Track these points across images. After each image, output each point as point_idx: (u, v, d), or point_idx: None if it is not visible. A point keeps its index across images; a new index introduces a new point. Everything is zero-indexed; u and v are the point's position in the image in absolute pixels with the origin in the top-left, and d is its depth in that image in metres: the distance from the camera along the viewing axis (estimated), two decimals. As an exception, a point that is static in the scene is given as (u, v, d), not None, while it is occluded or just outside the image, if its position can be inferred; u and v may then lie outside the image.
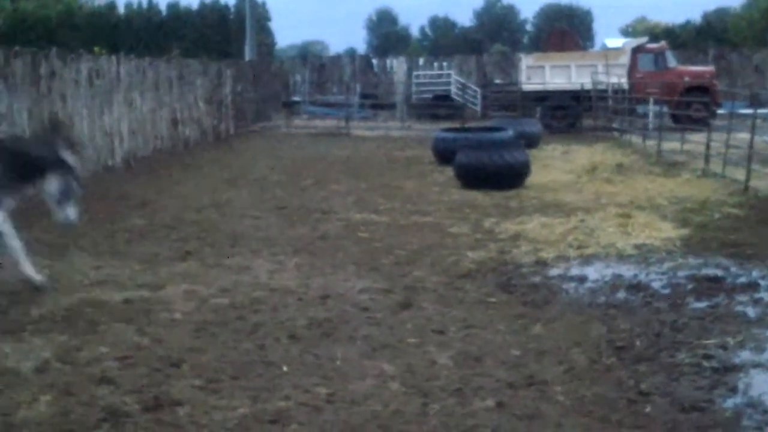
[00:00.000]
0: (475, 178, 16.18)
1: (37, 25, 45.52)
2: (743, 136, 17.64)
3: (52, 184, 8.71)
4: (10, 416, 5.69)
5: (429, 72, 40.90)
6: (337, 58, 50.94)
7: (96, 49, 26.82)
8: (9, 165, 8.64)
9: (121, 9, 50.66)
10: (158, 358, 6.80)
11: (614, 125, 28.63)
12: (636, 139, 24.62)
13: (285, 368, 6.62)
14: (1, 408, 5.81)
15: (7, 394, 6.04)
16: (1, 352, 6.93)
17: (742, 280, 9.25)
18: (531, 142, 22.31)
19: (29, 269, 8.76)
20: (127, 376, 6.42)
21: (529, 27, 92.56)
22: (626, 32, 70.97)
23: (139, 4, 50.51)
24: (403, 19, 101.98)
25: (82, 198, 9.15)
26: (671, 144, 21.07)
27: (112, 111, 19.84)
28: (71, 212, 8.83)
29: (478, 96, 38.11)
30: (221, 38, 48.12)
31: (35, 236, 11.60)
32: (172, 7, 50.21)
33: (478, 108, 37.52)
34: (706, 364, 6.68)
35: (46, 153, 8.81)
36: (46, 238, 11.54)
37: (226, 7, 50.26)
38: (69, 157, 8.92)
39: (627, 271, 9.76)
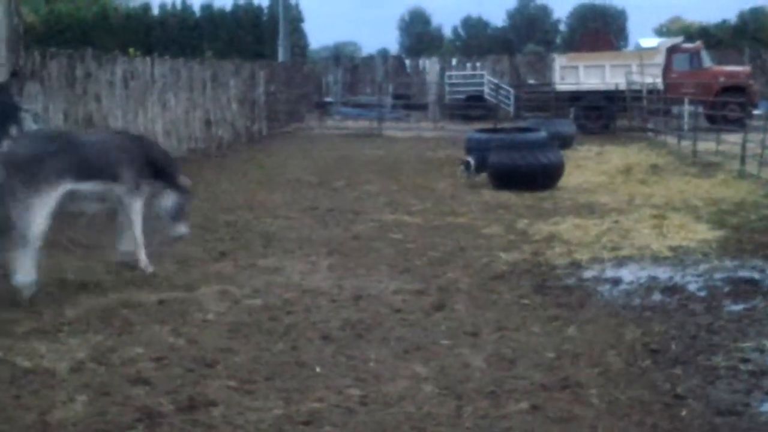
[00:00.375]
0: (508, 179, 16.13)
1: (73, 27, 45.94)
2: (780, 136, 17.49)
3: (169, 200, 9.68)
4: (46, 416, 5.73)
5: (462, 72, 40.82)
6: (370, 58, 50.94)
7: (130, 50, 26.98)
8: (148, 159, 9.61)
9: (155, 10, 51.05)
10: (192, 359, 6.84)
11: (649, 126, 28.44)
12: (671, 139, 24.43)
13: (318, 369, 6.62)
14: (37, 408, 5.86)
15: (43, 394, 6.09)
16: (37, 352, 6.99)
17: (779, 282, 9.15)
18: (565, 142, 22.24)
19: (143, 258, 9.64)
20: (161, 377, 6.45)
21: (562, 27, 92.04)
22: (661, 32, 70.45)
23: (173, 6, 50.85)
24: (436, 20, 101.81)
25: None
26: (706, 144, 20.88)
27: (147, 112, 19.99)
28: (183, 228, 9.83)
29: (511, 96, 37.96)
30: (254, 39, 48.33)
31: (69, 236, 11.72)
32: (206, 9, 50.50)
33: (511, 108, 37.37)
34: (742, 367, 6.61)
35: (170, 166, 9.84)
36: (82, 238, 11.63)
37: (260, 8, 50.48)
38: (185, 180, 9.85)
39: (662, 273, 9.69)
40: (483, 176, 17.15)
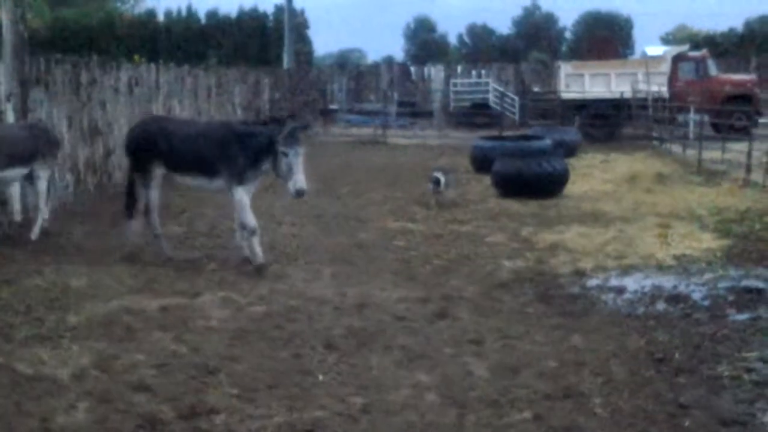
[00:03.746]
0: (512, 186, 16.11)
1: (78, 33, 46.00)
2: (785, 145, 17.46)
3: (280, 163, 9.87)
4: (48, 423, 5.72)
5: (467, 80, 40.79)
6: (375, 66, 50.87)
7: (135, 57, 27.05)
8: (246, 147, 10.20)
9: (160, 17, 51.12)
10: (195, 366, 6.82)
11: (654, 134, 28.37)
12: (676, 148, 24.40)
13: (321, 377, 6.61)
14: (40, 414, 5.84)
15: (45, 401, 6.08)
16: (39, 359, 6.98)
17: (785, 291, 9.11)
18: (570, 150, 22.21)
19: (257, 247, 10.23)
20: (163, 384, 6.44)
21: (568, 35, 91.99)
22: (667, 40, 70.27)
23: (179, 13, 50.93)
24: (441, 27, 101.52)
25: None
26: (712, 153, 20.84)
27: (152, 119, 19.97)
28: (299, 181, 9.76)
29: (516, 104, 37.95)
30: (260, 46, 48.38)
31: (75, 243, 11.73)
32: (211, 16, 50.54)
33: (516, 116, 37.36)
34: (746, 377, 6.59)
35: (270, 136, 10.01)
36: (85, 245, 11.64)
37: (265, 15, 50.53)
38: (290, 138, 9.86)
39: (666, 282, 9.65)
40: (452, 195, 15.98)
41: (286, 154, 9.76)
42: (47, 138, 12.30)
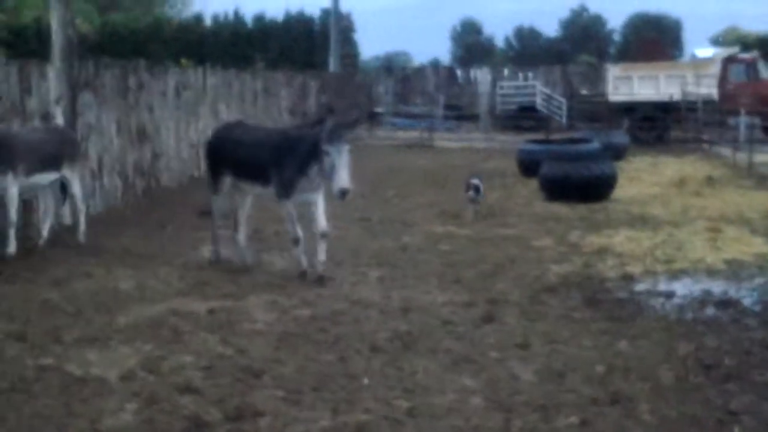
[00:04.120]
0: (559, 190, 16.00)
1: (126, 38, 46.51)
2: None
3: (324, 164, 9.36)
4: (96, 424, 5.79)
5: (514, 83, 40.65)
6: (421, 69, 50.93)
7: (183, 61, 27.27)
8: (293, 153, 9.86)
9: (208, 21, 51.53)
10: (241, 369, 6.86)
11: (704, 137, 28.05)
12: (726, 151, 24.09)
13: (366, 381, 6.62)
14: (87, 416, 5.92)
15: (93, 402, 6.15)
16: (88, 360, 7.07)
17: (837, 297, 8.97)
18: (618, 153, 22.00)
19: (302, 256, 10.16)
20: (209, 386, 6.48)
21: (616, 37, 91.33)
22: (717, 42, 69.50)
23: (226, 17, 51.31)
24: (488, 29, 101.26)
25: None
26: (762, 157, 20.56)
27: (198, 123, 20.15)
28: (342, 179, 9.18)
29: (564, 107, 37.73)
30: (306, 50, 48.55)
31: (123, 246, 11.86)
32: (258, 20, 50.82)
33: (564, 119, 37.14)
34: (797, 383, 6.48)
35: (315, 139, 9.53)
36: (134, 248, 11.76)
37: (311, 18, 50.72)
38: (332, 135, 9.33)
39: (716, 286, 9.54)
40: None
41: (328, 153, 9.25)
42: (72, 141, 12.40)
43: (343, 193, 9.17)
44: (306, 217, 10.19)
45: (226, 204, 11.16)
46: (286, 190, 9.96)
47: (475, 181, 14.67)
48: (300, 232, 10.04)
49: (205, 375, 6.74)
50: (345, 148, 9.27)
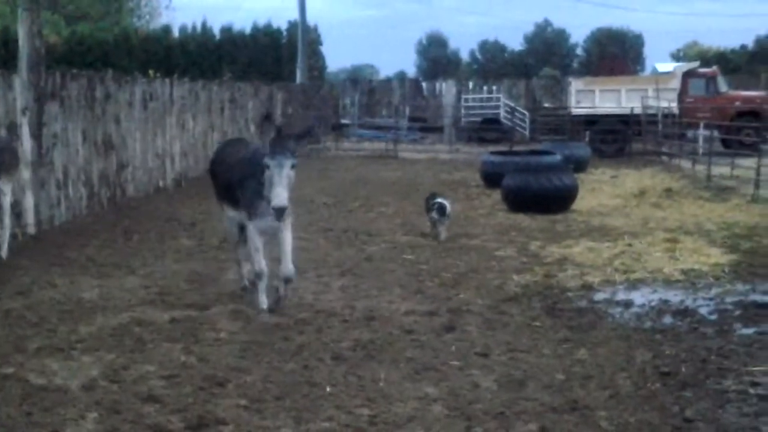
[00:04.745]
0: (522, 201, 16.15)
1: (94, 48, 46.24)
2: (795, 161, 17.48)
3: (265, 178, 8.28)
4: (58, 432, 5.80)
5: (478, 95, 40.88)
6: (387, 81, 51.15)
7: (150, 72, 27.18)
8: (252, 171, 8.65)
9: (175, 33, 51.36)
10: (204, 377, 6.88)
11: (664, 150, 28.39)
12: (685, 163, 24.40)
13: (329, 389, 6.66)
14: (50, 425, 5.92)
15: (56, 411, 6.15)
16: (50, 369, 7.07)
17: (792, 306, 9.14)
18: (579, 165, 22.27)
19: (262, 294, 8.95)
20: (172, 395, 6.50)
21: (579, 51, 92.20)
22: (677, 57, 70.41)
23: (194, 28, 51.15)
24: (453, 43, 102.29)
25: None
26: (721, 169, 20.85)
27: (165, 133, 20.12)
28: (277, 197, 8.03)
29: (527, 119, 38.04)
30: (273, 61, 48.53)
31: (88, 255, 11.83)
32: (226, 31, 50.73)
33: (527, 131, 37.43)
34: (752, 391, 6.61)
35: (263, 151, 8.44)
36: (98, 257, 11.75)
37: (279, 30, 50.71)
38: (274, 147, 8.27)
39: (674, 296, 9.69)
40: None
41: (268, 167, 8.18)
42: (11, 151, 12.21)
43: (279, 212, 8.06)
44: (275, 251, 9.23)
45: (235, 227, 9.73)
46: (248, 213, 8.84)
47: (440, 200, 13.41)
48: (264, 266, 8.94)
49: (168, 384, 6.76)
50: (286, 162, 8.17)
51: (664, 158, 27.58)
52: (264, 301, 8.90)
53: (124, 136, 17.68)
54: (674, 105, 29.94)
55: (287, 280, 8.92)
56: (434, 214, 12.99)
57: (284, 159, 8.15)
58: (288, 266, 8.85)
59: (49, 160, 14.24)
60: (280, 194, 8.03)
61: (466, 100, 39.81)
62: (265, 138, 8.38)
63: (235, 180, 9.06)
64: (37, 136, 13.63)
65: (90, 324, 8.41)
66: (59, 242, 12.49)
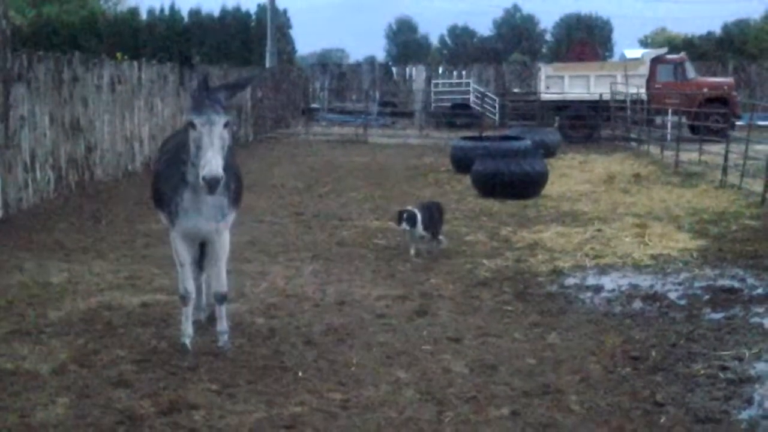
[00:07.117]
0: (492, 186, 16.18)
1: (61, 30, 45.83)
2: (761, 147, 17.65)
3: (190, 141, 6.44)
4: (28, 418, 5.75)
5: (448, 80, 40.95)
6: (357, 65, 51.01)
7: (118, 54, 26.93)
8: (173, 155, 7.04)
9: (143, 15, 50.98)
10: (175, 362, 6.85)
11: (632, 135, 28.57)
12: (654, 149, 24.55)
13: (300, 374, 6.65)
14: (19, 409, 5.87)
15: (25, 396, 6.10)
16: (20, 354, 7.00)
17: (759, 291, 9.24)
18: (549, 151, 22.36)
19: (187, 321, 7.24)
20: (143, 380, 6.47)
21: (548, 37, 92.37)
22: (646, 43, 70.66)
23: (162, 11, 50.79)
24: (423, 28, 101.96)
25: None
26: (689, 155, 21.00)
27: (133, 116, 19.95)
28: (209, 164, 6.11)
29: (497, 105, 38.13)
30: (242, 45, 48.33)
31: (56, 239, 11.73)
32: (194, 14, 50.44)
33: (497, 117, 37.54)
34: (721, 375, 6.68)
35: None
36: (66, 241, 11.64)
37: (248, 14, 50.49)
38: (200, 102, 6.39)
39: (643, 281, 9.76)
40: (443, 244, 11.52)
41: (194, 126, 6.29)
42: None
43: (210, 183, 6.10)
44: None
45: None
46: (168, 211, 6.98)
47: (410, 209, 11.37)
48: (191, 287, 7.25)
49: (139, 369, 6.72)
50: (217, 119, 6.29)
51: (633, 144, 27.77)
52: (188, 333, 7.20)
53: (92, 119, 17.51)
54: (643, 91, 30.11)
55: (220, 299, 7.23)
56: (404, 225, 11.11)
57: (214, 115, 6.27)
58: (221, 281, 7.20)
59: (16, 143, 14.07)
60: (211, 160, 6.12)
61: (436, 85, 39.87)
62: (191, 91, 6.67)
63: (161, 173, 7.26)
64: (3, 118, 13.45)
65: (59, 308, 8.34)
66: (27, 226, 12.37)
